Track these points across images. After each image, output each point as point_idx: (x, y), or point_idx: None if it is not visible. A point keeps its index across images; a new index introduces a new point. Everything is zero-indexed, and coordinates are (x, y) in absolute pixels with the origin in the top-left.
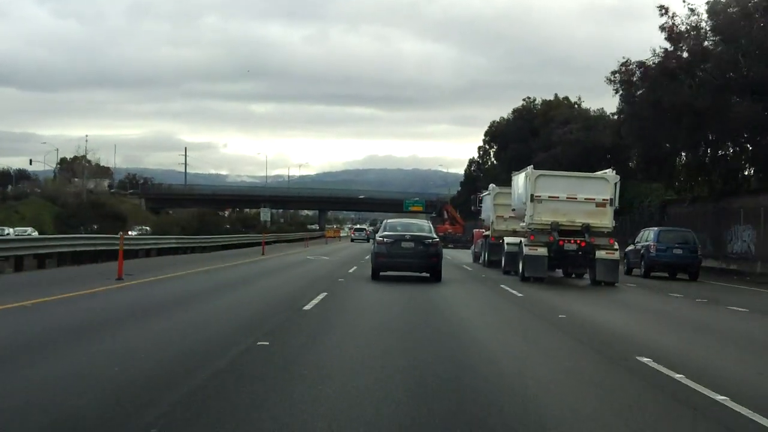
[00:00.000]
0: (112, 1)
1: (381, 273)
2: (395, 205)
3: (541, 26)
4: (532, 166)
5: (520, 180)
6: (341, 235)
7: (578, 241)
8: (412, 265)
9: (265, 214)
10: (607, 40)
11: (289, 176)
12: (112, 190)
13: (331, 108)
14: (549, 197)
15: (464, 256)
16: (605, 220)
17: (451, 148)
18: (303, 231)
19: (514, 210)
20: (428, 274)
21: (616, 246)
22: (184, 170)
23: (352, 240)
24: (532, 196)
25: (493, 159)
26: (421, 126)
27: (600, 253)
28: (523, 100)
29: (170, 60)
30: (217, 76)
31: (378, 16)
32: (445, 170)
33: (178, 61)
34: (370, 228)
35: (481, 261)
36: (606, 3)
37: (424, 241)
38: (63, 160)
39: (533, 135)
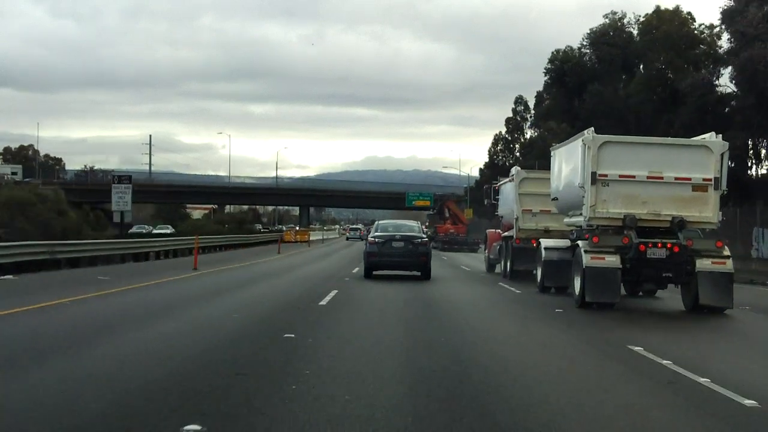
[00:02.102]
0: (109, 1)
1: (374, 272)
2: (396, 200)
3: (539, 26)
4: (592, 129)
5: (570, 153)
6: (312, 238)
7: (668, 245)
8: (403, 264)
9: (122, 202)
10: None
11: (276, 174)
12: (25, 180)
13: (330, 108)
14: (620, 177)
15: (475, 261)
16: (707, 210)
17: (450, 148)
18: (232, 233)
19: (555, 199)
20: (419, 273)
21: (727, 251)
22: (182, 170)
23: (347, 239)
24: (593, 175)
25: (529, 130)
26: (420, 126)
27: (703, 263)
28: (605, 17)
29: (168, 60)
30: (215, 77)
31: (375, 16)
32: (445, 171)
33: (175, 61)
34: (365, 228)
35: (499, 270)
36: (604, 1)
37: (413, 240)
38: (6, 150)
39: (626, 70)
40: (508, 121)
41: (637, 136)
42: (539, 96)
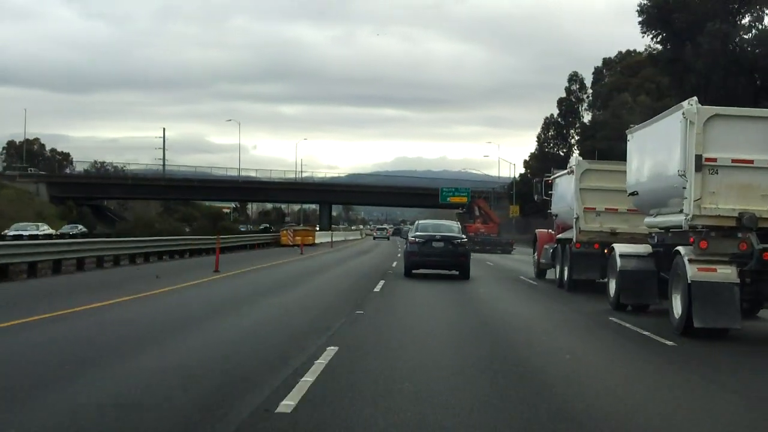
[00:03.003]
0: (140, 3)
1: (413, 271)
2: (427, 197)
3: (570, 26)
4: (695, 99)
5: (660, 133)
6: (320, 240)
7: None
8: (442, 264)
9: None
10: (637, 40)
11: (296, 168)
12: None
13: (360, 109)
14: (733, 162)
15: (515, 264)
16: None
17: (481, 149)
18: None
19: (634, 194)
20: (457, 272)
21: None
22: (211, 169)
23: (374, 238)
24: (698, 159)
25: (585, 113)
26: (450, 127)
27: None
28: None
29: (198, 62)
30: (246, 78)
31: (406, 17)
32: (478, 169)
33: (206, 62)
34: (391, 228)
35: (550, 277)
36: (634, 1)
37: (453, 241)
38: (10, 144)
39: (750, 2)
40: (560, 102)
41: (756, 109)
42: (598, 72)
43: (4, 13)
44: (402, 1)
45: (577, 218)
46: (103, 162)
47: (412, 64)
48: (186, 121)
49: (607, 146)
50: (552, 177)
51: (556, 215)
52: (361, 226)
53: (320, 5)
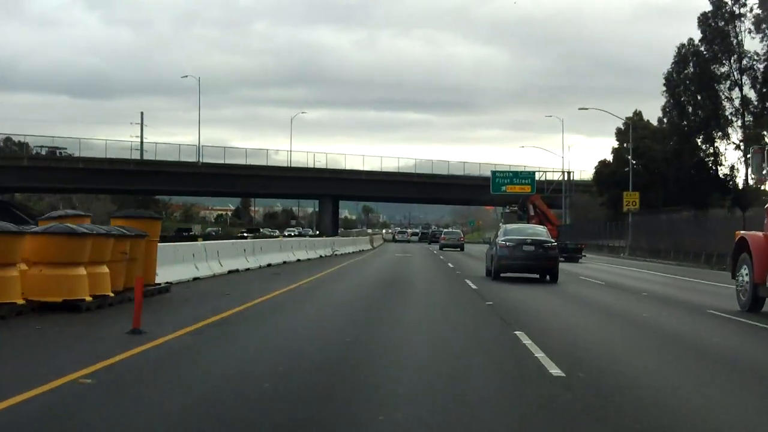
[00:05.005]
0: (162, 9)
1: (501, 275)
2: (468, 189)
3: (592, 27)
4: None
5: None
6: (188, 276)
7: None
8: (532, 267)
9: None
10: (660, 40)
11: (290, 149)
12: None
13: (383, 113)
14: None
15: (629, 281)
16: None
17: (502, 153)
18: None
19: None
20: (538, 276)
21: None
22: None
23: (395, 240)
24: None
25: (750, 36)
26: (473, 131)
27: None
28: None
29: (221, 67)
30: (268, 83)
31: (428, 21)
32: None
33: (228, 67)
34: (413, 230)
35: None
36: (659, 2)
37: (543, 244)
38: None
39: None
40: (702, 21)
41: None
42: None
43: (29, 21)
44: (424, 4)
45: None
46: (61, 150)
47: (435, 68)
48: (209, 126)
49: None
50: None
51: None
52: (369, 231)
53: (342, 9)
